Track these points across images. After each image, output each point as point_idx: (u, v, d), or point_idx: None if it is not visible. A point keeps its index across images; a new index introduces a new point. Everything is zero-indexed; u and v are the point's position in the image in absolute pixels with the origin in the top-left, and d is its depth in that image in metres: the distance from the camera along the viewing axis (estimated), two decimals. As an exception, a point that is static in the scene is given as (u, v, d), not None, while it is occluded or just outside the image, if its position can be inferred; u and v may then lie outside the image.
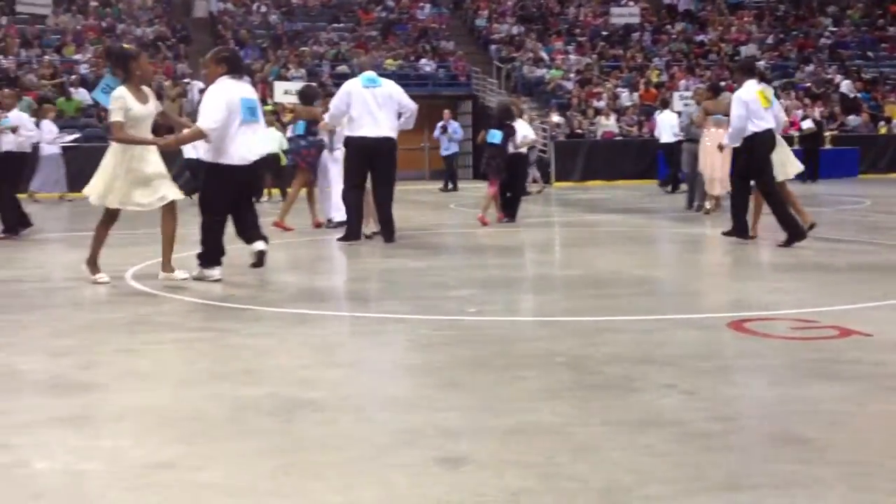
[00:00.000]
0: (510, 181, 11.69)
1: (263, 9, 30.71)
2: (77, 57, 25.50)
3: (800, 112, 23.98)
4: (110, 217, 6.68)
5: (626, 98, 26.34)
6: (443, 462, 2.85)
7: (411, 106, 9.38)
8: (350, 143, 9.25)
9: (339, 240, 9.20)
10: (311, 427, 3.27)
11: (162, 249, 6.65)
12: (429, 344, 4.67)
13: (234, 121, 6.56)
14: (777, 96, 9.95)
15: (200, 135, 6.59)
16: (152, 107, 6.62)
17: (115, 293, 6.44)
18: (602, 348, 4.49)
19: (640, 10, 31.12)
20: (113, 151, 6.50)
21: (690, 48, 30.28)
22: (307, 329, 5.19)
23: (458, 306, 5.76)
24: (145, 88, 6.64)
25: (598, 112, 25.00)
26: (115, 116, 6.40)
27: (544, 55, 28.84)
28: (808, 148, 21.71)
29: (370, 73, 9.37)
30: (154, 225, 6.69)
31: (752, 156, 8.65)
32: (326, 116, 9.85)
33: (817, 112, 24.44)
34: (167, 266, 6.65)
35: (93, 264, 6.75)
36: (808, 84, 27.76)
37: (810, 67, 29.12)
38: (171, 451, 3.01)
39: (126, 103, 6.40)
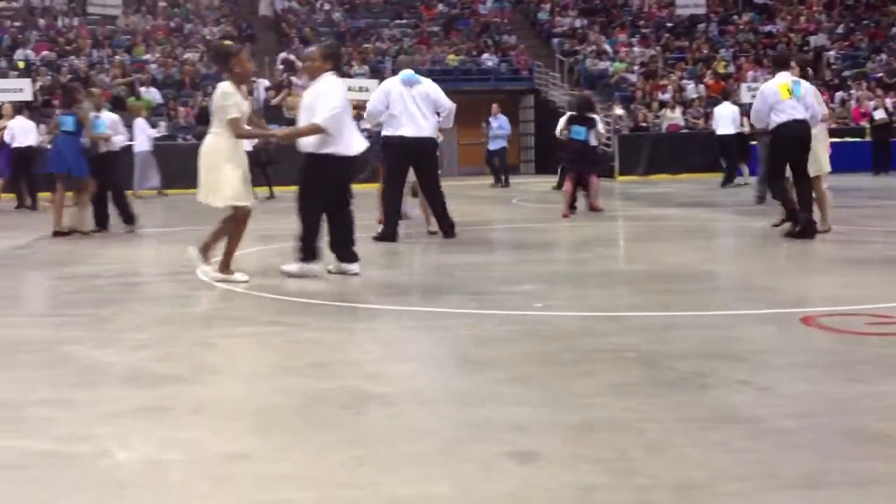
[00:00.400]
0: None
1: (327, 6, 31.01)
2: (146, 57, 26.06)
3: (871, 103, 23.38)
4: (242, 216, 6.54)
5: (692, 90, 25.97)
6: (513, 456, 2.86)
7: (448, 105, 9.27)
8: (390, 142, 9.17)
9: (375, 239, 9.04)
10: (382, 420, 3.31)
11: (225, 250, 6.55)
12: (495, 339, 4.68)
13: (347, 114, 6.71)
14: (847, 87, 9.94)
15: (319, 129, 6.54)
16: (248, 104, 6.60)
17: (188, 288, 6.58)
18: (672, 344, 4.45)
19: (706, 1, 30.62)
20: (223, 150, 6.35)
21: (758, 38, 29.70)
22: (375, 323, 5.24)
23: (524, 301, 5.76)
24: (242, 87, 6.57)
25: (663, 105, 24.70)
26: (233, 113, 6.31)
27: (607, 48, 28.57)
28: (879, 139, 21.16)
29: (409, 72, 9.23)
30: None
31: (773, 145, 8.84)
32: (365, 115, 9.79)
33: (889, 102, 23.79)
34: (226, 267, 6.52)
35: (225, 267, 6.54)
36: (880, 74, 27.02)
37: (882, 57, 28.34)
38: (247, 443, 3.07)
39: (237, 98, 6.34)
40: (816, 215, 8.78)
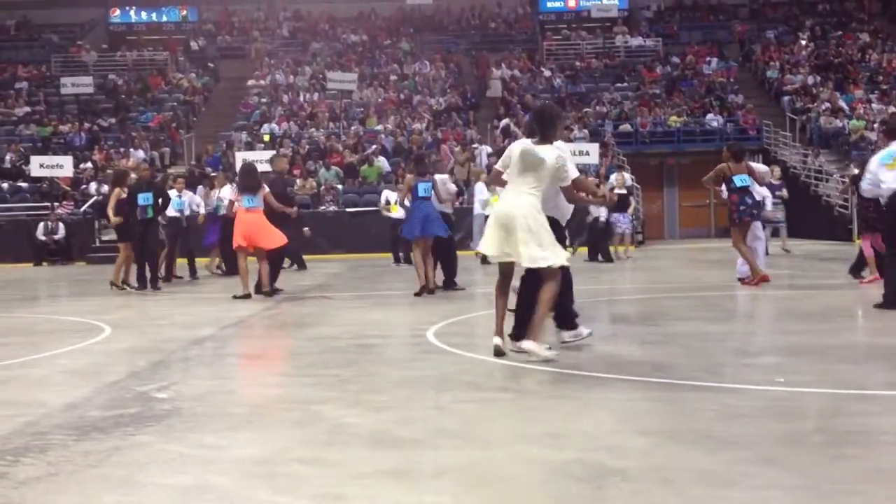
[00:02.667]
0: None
1: (548, 73, 31.56)
2: (378, 128, 27.54)
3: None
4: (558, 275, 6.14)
5: (940, 147, 24.12)
6: (769, 545, 2.71)
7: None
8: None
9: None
10: (624, 497, 3.23)
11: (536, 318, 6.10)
12: (737, 415, 4.48)
13: None
14: None
15: None
16: None
17: (420, 351, 6.79)
18: (938, 428, 4.09)
19: (955, 52, 28.53)
20: (540, 210, 6.09)
21: None
22: (608, 393, 5.16)
23: (765, 375, 5.49)
24: None
25: (906, 163, 23.06)
26: (574, 172, 6.41)
27: (843, 105, 27.19)
28: None
29: None
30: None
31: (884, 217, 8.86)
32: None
33: None
34: (536, 333, 6.09)
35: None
36: None
37: None
38: (490, 512, 3.10)
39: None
40: None
